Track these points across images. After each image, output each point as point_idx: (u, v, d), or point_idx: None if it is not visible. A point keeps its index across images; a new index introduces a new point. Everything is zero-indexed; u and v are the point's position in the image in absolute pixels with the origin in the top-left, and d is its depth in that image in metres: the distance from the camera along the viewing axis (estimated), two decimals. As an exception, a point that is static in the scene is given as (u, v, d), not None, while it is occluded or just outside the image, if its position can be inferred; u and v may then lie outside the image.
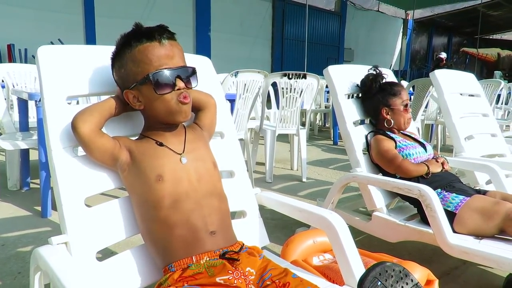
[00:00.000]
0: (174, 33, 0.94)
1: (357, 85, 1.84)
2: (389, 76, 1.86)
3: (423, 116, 4.51)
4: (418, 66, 19.64)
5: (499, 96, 6.27)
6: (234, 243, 0.95)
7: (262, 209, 1.25)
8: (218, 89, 1.28)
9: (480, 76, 16.49)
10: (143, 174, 0.92)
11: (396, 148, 1.69)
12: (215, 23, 13.10)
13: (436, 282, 1.26)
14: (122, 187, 1.00)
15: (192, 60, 1.21)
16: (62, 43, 9.93)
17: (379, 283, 0.79)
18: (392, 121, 1.75)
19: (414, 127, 2.03)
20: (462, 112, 2.24)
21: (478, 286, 1.62)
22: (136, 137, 1.01)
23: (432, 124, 4.74)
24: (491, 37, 22.24)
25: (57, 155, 0.92)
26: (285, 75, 2.96)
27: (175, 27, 0.83)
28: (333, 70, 1.81)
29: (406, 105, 1.75)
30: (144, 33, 0.89)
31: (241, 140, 2.92)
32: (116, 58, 0.94)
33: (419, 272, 1.23)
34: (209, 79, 1.27)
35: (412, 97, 4.38)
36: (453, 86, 2.25)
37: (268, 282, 0.87)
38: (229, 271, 0.86)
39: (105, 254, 1.09)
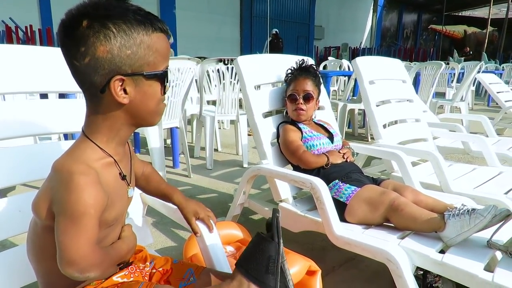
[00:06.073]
0: None
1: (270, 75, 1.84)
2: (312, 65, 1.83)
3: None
4: (388, 44, 19.80)
5: (454, 75, 6.43)
6: None
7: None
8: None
9: (449, 53, 16.77)
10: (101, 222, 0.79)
11: (302, 139, 1.71)
12: (181, 0, 12.68)
13: (319, 272, 1.31)
14: None
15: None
16: (14, 23, 9.45)
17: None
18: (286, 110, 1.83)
19: (331, 117, 2.05)
20: (384, 98, 2.27)
21: (377, 270, 1.69)
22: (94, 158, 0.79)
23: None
24: (460, 14, 22.56)
25: None
26: (220, 60, 2.92)
27: (136, 3, 0.74)
28: (242, 60, 1.79)
29: (291, 96, 1.76)
30: (160, 23, 0.78)
31: (176, 128, 2.89)
32: (117, 29, 0.72)
33: (300, 263, 1.28)
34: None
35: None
36: (376, 73, 2.28)
37: (153, 271, 0.98)
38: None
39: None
